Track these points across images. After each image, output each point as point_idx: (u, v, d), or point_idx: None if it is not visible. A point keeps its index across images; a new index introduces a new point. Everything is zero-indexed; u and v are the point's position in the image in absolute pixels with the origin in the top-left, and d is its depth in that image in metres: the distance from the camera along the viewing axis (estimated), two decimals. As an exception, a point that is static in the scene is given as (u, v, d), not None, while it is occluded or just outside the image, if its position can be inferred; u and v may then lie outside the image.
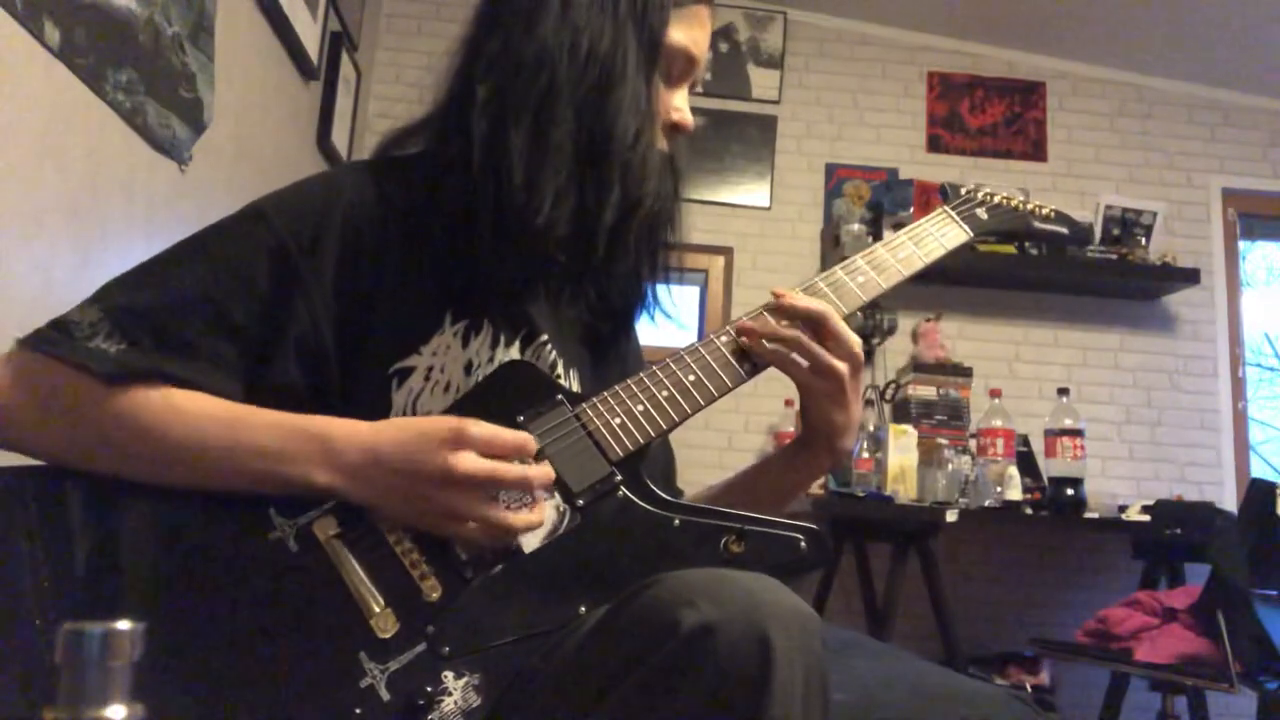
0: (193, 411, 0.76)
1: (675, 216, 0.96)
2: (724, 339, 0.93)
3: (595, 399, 0.87)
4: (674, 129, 0.96)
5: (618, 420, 0.86)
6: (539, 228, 0.85)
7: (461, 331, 0.88)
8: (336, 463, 0.75)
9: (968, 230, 1.08)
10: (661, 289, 1.01)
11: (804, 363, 0.91)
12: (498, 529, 0.77)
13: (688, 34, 0.94)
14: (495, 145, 0.85)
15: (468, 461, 0.75)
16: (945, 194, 1.14)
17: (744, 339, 0.92)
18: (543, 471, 0.79)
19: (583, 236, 0.88)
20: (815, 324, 0.92)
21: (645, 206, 0.90)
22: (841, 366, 0.90)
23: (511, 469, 0.77)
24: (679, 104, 0.95)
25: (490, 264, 0.87)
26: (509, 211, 0.85)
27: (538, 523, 0.79)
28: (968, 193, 1.13)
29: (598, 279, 0.97)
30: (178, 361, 0.77)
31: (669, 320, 1.03)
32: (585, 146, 0.87)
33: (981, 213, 1.11)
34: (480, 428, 0.76)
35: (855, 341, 0.92)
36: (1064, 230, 1.17)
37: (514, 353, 0.91)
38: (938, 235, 1.06)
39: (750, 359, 0.92)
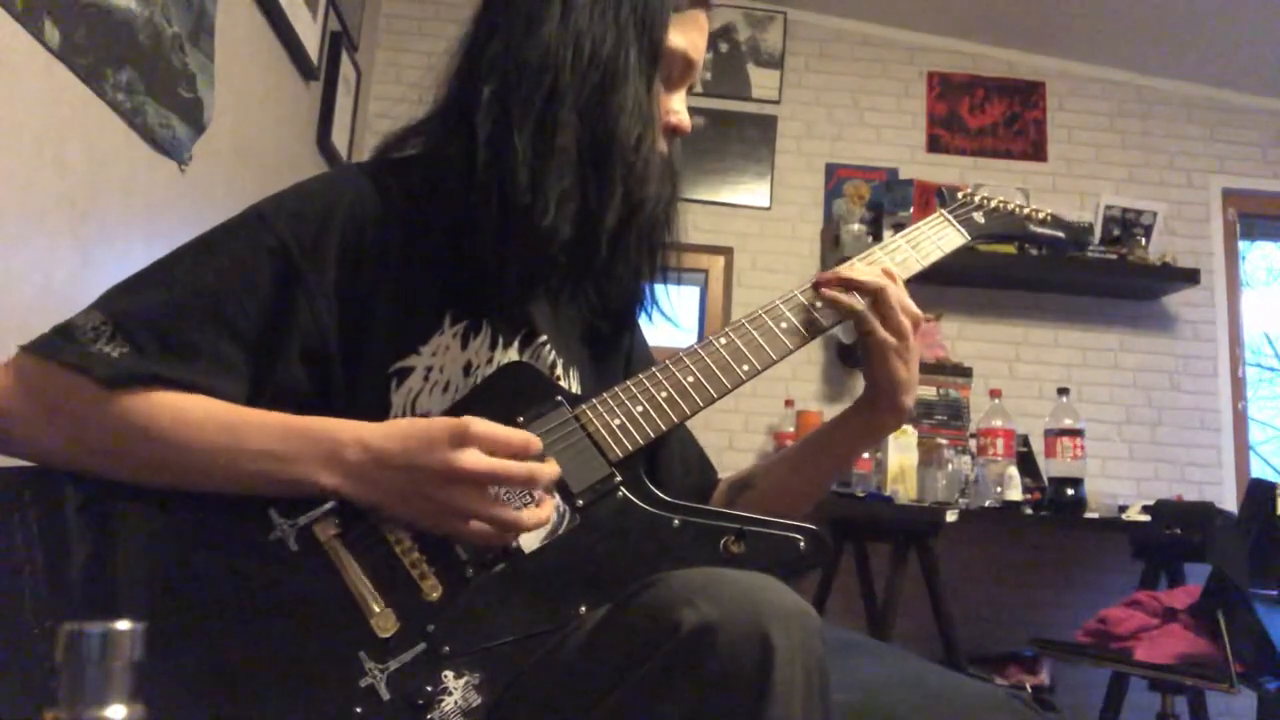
0: (195, 415, 0.76)
1: (673, 218, 0.97)
2: (723, 341, 0.93)
3: (595, 400, 0.87)
4: (672, 131, 0.96)
5: (617, 421, 0.86)
6: (544, 230, 0.85)
7: (461, 332, 0.88)
8: (340, 464, 0.75)
9: (965, 234, 1.09)
10: (660, 289, 1.02)
11: (875, 317, 0.95)
12: (504, 526, 0.77)
13: (686, 38, 0.94)
14: (499, 148, 0.86)
15: (472, 458, 0.75)
16: (942, 198, 1.14)
17: (827, 290, 0.96)
18: (549, 469, 0.80)
19: (585, 238, 0.88)
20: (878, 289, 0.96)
21: (646, 209, 0.90)
22: (908, 323, 0.95)
23: (517, 466, 0.77)
24: (676, 106, 0.96)
25: (492, 265, 0.87)
26: (514, 214, 0.85)
27: (545, 519, 0.80)
28: (964, 197, 1.14)
29: (598, 279, 0.97)
30: (180, 365, 0.77)
31: (667, 320, 1.04)
32: (588, 149, 0.87)
33: (978, 216, 1.12)
34: (483, 425, 0.76)
35: (911, 304, 0.97)
36: (1061, 235, 1.17)
37: (513, 353, 0.91)
38: (934, 239, 1.07)
39: (749, 362, 0.93)
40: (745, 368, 0.93)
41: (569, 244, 0.87)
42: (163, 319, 0.78)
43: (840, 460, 1.06)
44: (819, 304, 0.97)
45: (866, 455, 2.75)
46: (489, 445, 0.76)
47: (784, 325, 0.95)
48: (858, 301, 0.96)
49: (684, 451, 1.08)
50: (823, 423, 1.08)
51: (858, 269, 0.98)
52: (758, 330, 0.95)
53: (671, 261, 0.99)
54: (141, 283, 0.81)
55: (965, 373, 3.04)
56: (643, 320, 1.06)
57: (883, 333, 0.95)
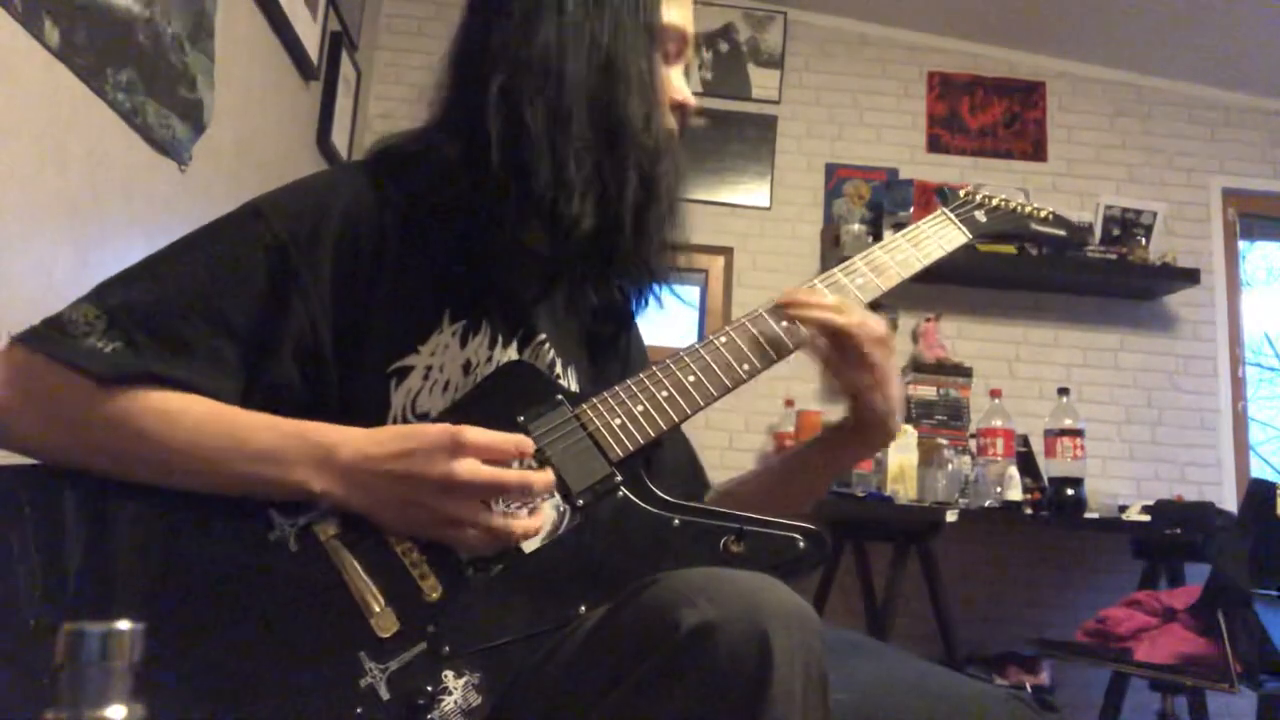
0: (188, 414, 0.76)
1: (680, 198, 0.96)
2: (723, 340, 0.93)
3: (595, 399, 0.87)
4: (679, 108, 0.97)
5: (618, 420, 0.86)
6: (570, 220, 0.85)
7: (460, 331, 0.88)
8: (333, 469, 0.75)
9: (966, 233, 1.09)
10: (658, 287, 1.01)
11: (840, 362, 0.92)
12: (498, 535, 0.77)
13: (679, 12, 0.95)
14: (515, 145, 0.86)
15: (468, 468, 0.74)
16: (944, 196, 1.15)
17: (789, 315, 0.93)
18: (543, 477, 0.79)
19: (610, 221, 0.88)
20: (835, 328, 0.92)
21: (662, 186, 0.91)
22: (876, 353, 0.91)
23: (512, 475, 0.76)
24: (679, 83, 0.97)
25: (504, 263, 0.87)
26: (538, 208, 0.85)
27: (536, 529, 0.79)
28: (966, 195, 1.14)
29: (595, 282, 0.97)
30: (174, 362, 0.77)
31: (677, 299, 1.04)
32: (601, 135, 0.88)
33: (980, 215, 1.12)
34: (478, 433, 0.76)
35: (876, 323, 0.92)
36: (1062, 233, 1.17)
37: (512, 352, 0.91)
38: (936, 238, 1.07)
39: (749, 359, 0.93)
40: (746, 367, 0.92)
41: (594, 231, 0.87)
42: (156, 314, 0.78)
43: (830, 474, 1.06)
44: None
45: (866, 455, 2.75)
46: (484, 453, 0.76)
47: (784, 324, 0.95)
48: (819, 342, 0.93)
49: (676, 456, 1.08)
50: (821, 430, 1.06)
51: (813, 300, 0.94)
52: (759, 329, 0.95)
53: (680, 253, 0.98)
54: (135, 277, 0.80)
55: (965, 373, 3.04)
56: (641, 319, 1.06)
57: (852, 374, 0.93)
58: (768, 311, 0.96)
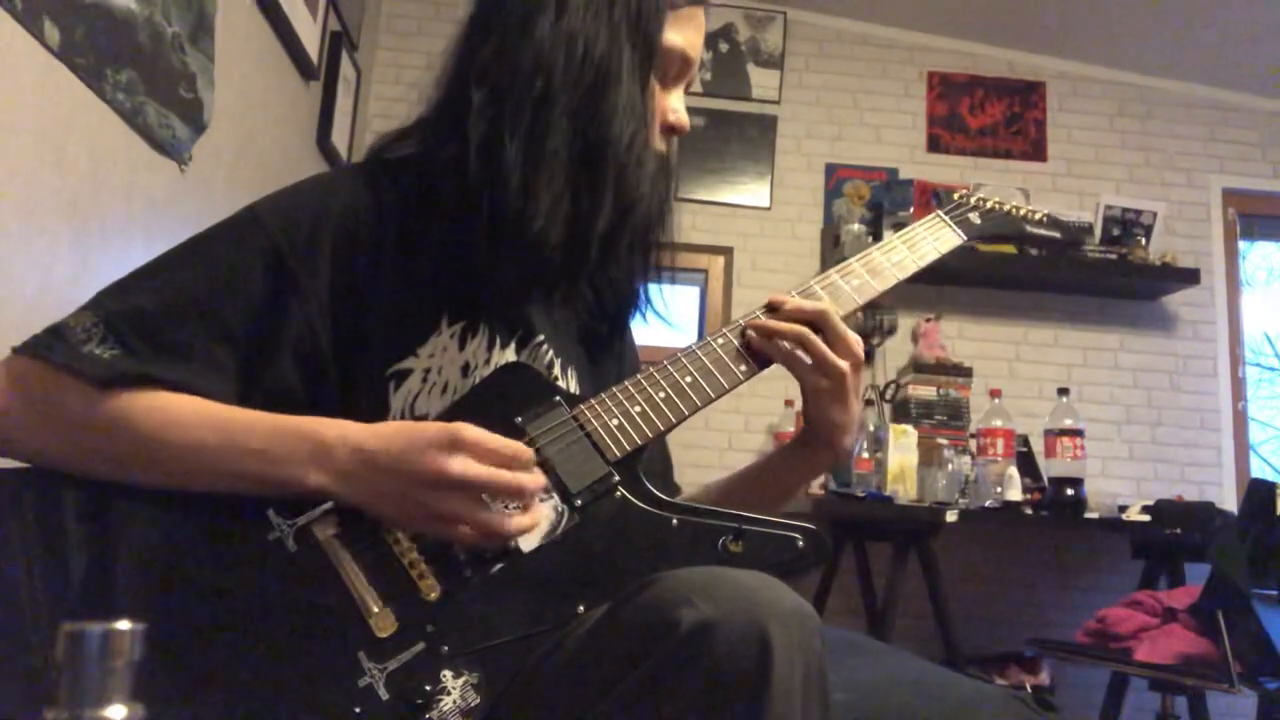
0: (185, 415, 0.76)
1: (667, 217, 0.96)
2: (721, 341, 0.93)
3: (593, 400, 0.87)
4: (670, 130, 0.96)
5: (615, 421, 0.86)
6: (535, 233, 0.85)
7: (458, 333, 0.88)
8: (329, 464, 0.75)
9: (961, 235, 1.09)
10: (655, 289, 1.01)
11: (807, 359, 0.92)
12: (491, 533, 0.76)
13: (684, 35, 0.94)
14: (491, 151, 0.85)
15: (461, 464, 0.74)
16: (939, 199, 1.15)
17: (751, 333, 0.93)
18: (537, 479, 0.79)
19: (576, 241, 0.87)
20: (815, 324, 0.92)
21: (639, 210, 0.90)
22: (843, 364, 0.92)
23: (504, 474, 0.76)
24: (675, 105, 0.95)
25: (487, 267, 0.87)
26: (505, 217, 0.85)
27: (530, 526, 0.79)
28: (960, 197, 1.14)
29: (591, 282, 0.97)
30: (171, 365, 0.77)
31: (662, 320, 1.04)
32: (581, 151, 0.87)
33: (974, 217, 1.12)
34: (474, 431, 0.76)
35: (855, 340, 0.93)
36: (1056, 235, 1.18)
37: (510, 354, 0.91)
38: (931, 240, 1.07)
39: (747, 361, 0.93)
40: (743, 368, 0.93)
41: (560, 248, 0.87)
42: (154, 320, 0.78)
43: (781, 493, 1.03)
44: None
45: (866, 455, 2.75)
46: (479, 452, 0.76)
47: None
48: (777, 347, 0.92)
49: (652, 462, 1.07)
50: (752, 461, 1.06)
51: (785, 308, 0.94)
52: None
53: (666, 262, 0.98)
54: (133, 284, 0.81)
55: (965, 373, 3.04)
56: (638, 321, 1.06)
57: (811, 376, 0.93)
58: (765, 313, 0.96)
